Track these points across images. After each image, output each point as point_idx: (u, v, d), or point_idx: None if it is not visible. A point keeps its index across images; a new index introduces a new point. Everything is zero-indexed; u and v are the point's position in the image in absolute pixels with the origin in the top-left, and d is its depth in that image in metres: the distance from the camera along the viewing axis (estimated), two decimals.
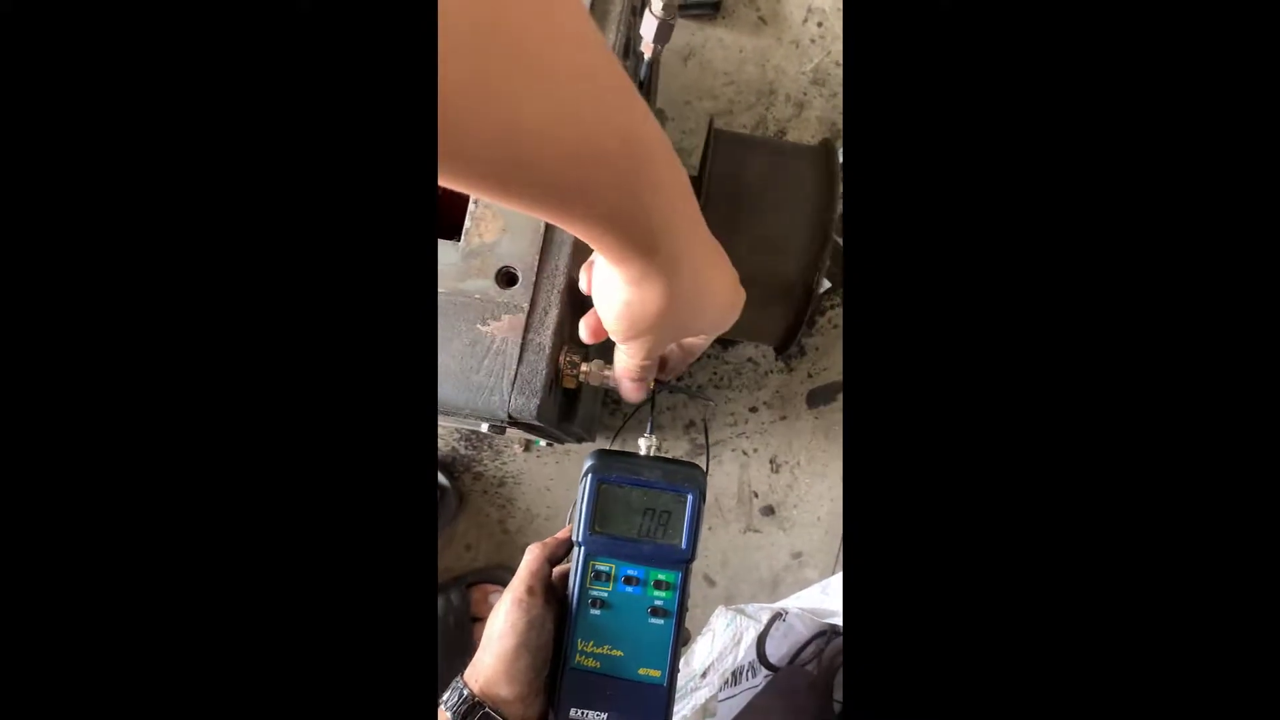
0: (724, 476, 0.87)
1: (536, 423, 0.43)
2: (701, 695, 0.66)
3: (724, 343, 0.88)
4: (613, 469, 0.37)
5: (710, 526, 0.86)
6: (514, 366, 0.41)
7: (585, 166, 0.22)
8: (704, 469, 0.39)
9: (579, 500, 0.38)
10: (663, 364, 0.40)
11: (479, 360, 0.41)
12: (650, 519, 0.37)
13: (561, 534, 0.40)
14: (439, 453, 0.86)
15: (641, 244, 0.26)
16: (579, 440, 0.74)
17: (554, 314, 0.41)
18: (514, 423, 0.44)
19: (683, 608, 0.37)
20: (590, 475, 0.37)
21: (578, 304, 0.46)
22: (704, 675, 0.67)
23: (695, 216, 0.29)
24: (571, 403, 0.50)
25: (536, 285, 0.42)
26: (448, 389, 0.41)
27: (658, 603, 0.37)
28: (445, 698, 0.37)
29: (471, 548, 0.86)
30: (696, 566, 0.86)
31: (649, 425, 0.42)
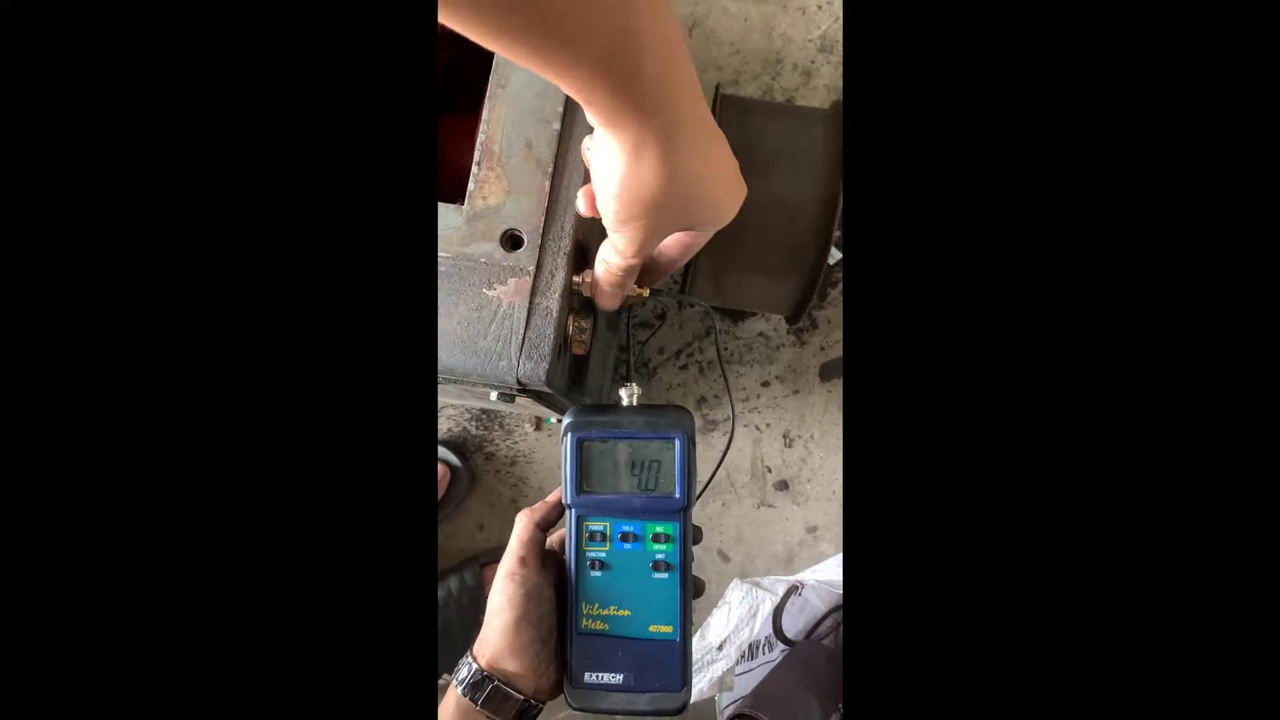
0: (736, 452, 0.86)
1: (546, 389, 0.42)
2: (719, 668, 0.66)
3: (735, 317, 0.87)
4: (592, 425, 0.36)
5: (723, 502, 0.86)
6: (521, 331, 0.40)
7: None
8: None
9: (563, 461, 0.36)
10: (646, 272, 0.39)
11: (486, 325, 0.40)
12: (639, 471, 0.36)
13: (551, 497, 0.39)
14: (450, 433, 0.86)
15: (637, 101, 0.25)
16: None
17: (560, 277, 0.41)
18: (523, 390, 0.43)
19: (686, 558, 0.36)
20: (570, 434, 0.36)
21: (581, 257, 0.45)
22: (720, 648, 0.66)
23: (692, 81, 0.27)
24: (581, 370, 0.49)
25: (542, 248, 0.41)
26: (455, 355, 0.40)
27: (659, 557, 0.36)
28: (455, 674, 0.36)
29: (484, 527, 0.86)
30: (710, 542, 0.86)
31: (628, 370, 0.41)
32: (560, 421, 0.37)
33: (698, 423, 0.86)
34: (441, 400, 0.84)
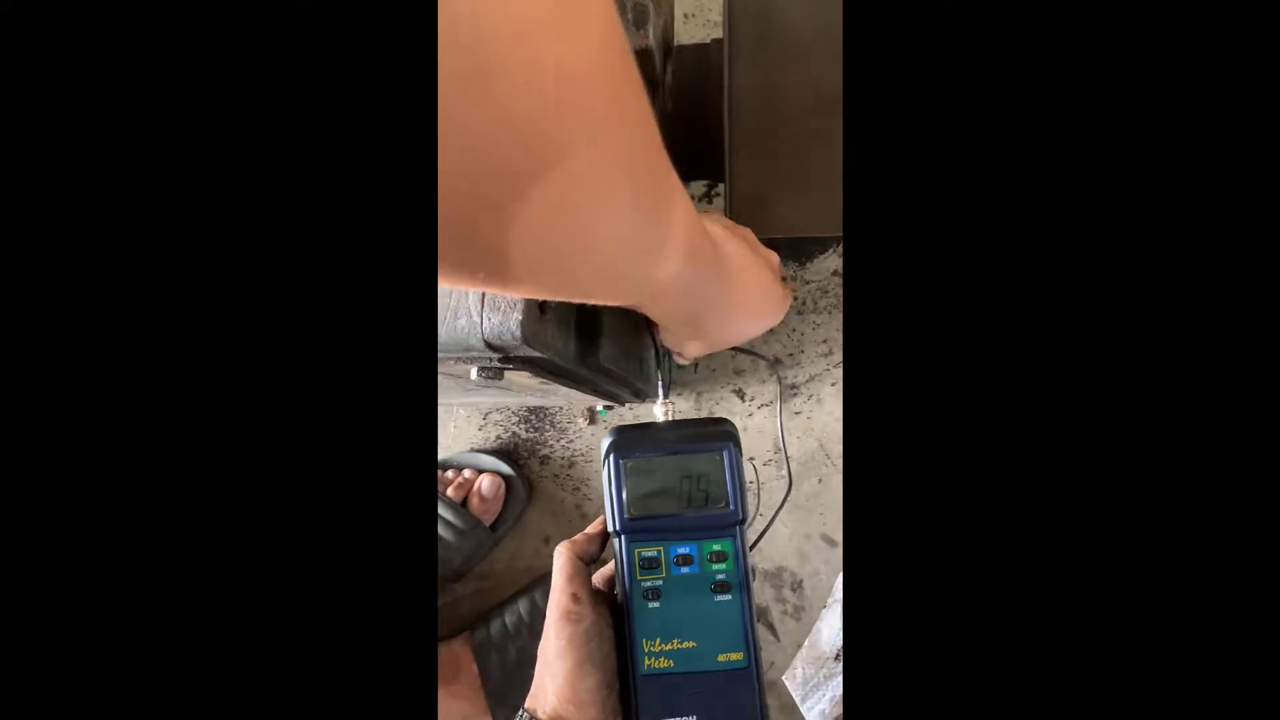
0: (826, 417, 0.72)
1: (535, 353, 0.31)
2: (839, 684, 0.52)
3: (798, 254, 0.74)
4: (634, 444, 0.34)
5: (820, 478, 0.72)
6: None
7: None
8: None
9: (605, 486, 0.34)
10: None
11: None
12: (688, 487, 0.34)
13: (591, 528, 0.37)
14: (500, 440, 0.77)
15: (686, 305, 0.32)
16: (640, 397, 0.63)
17: None
18: (507, 358, 0.32)
19: (748, 575, 0.34)
20: (611, 456, 0.34)
21: None
22: (838, 658, 0.53)
23: (716, 237, 0.32)
24: (591, 330, 0.38)
25: None
26: None
27: (719, 577, 0.33)
28: None
29: (550, 539, 0.77)
30: (813, 525, 0.73)
31: (663, 388, 0.40)
32: (610, 408, 0.33)
33: (775, 387, 0.73)
34: (476, 401, 0.75)
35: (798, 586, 0.72)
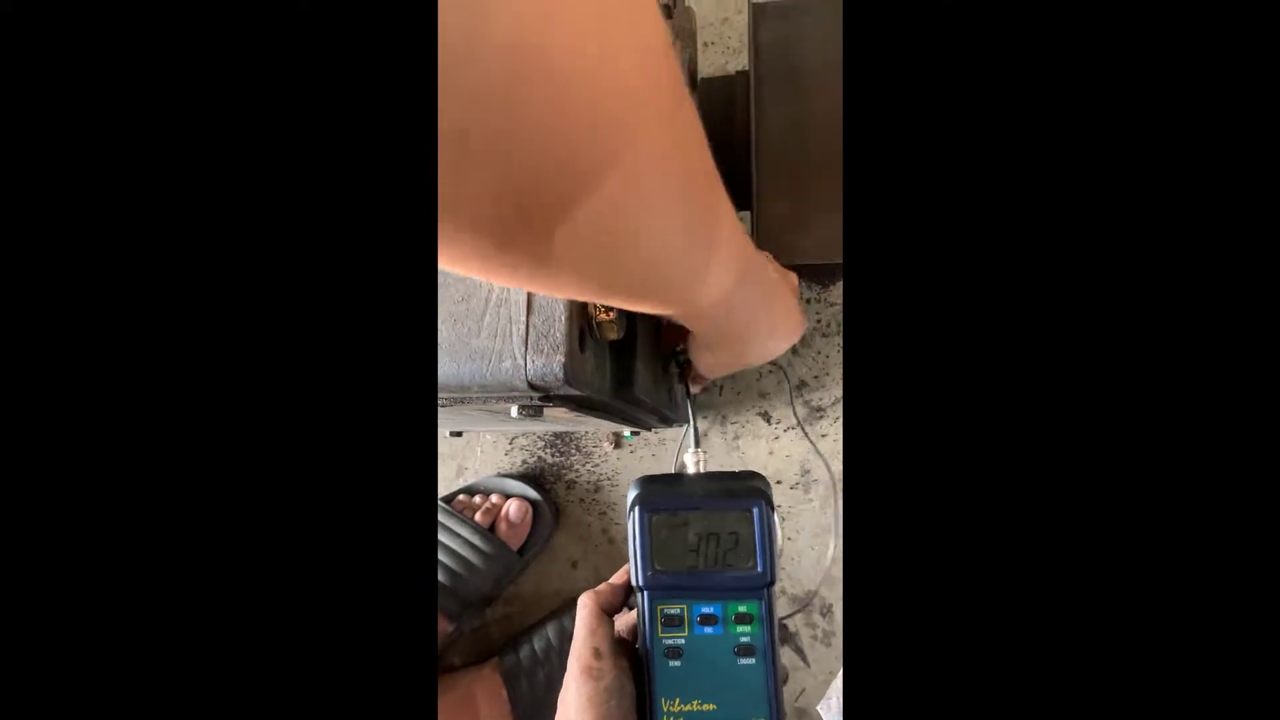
0: None
1: (575, 391, 0.32)
2: None
3: (822, 281, 0.74)
4: (661, 496, 0.33)
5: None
6: (523, 319, 0.30)
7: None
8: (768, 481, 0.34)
9: (630, 539, 0.33)
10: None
11: (478, 320, 0.30)
12: (715, 545, 0.33)
13: (616, 578, 0.36)
14: (526, 465, 0.78)
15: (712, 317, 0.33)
16: (666, 423, 0.63)
17: None
18: (547, 397, 0.33)
19: (774, 639, 0.33)
20: (637, 508, 0.33)
21: None
22: None
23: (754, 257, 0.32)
24: (627, 362, 0.39)
25: None
26: (446, 365, 0.31)
27: (744, 640, 0.33)
28: None
29: (578, 564, 0.77)
30: (841, 549, 0.72)
31: (693, 438, 0.39)
32: (637, 434, 0.33)
33: (800, 411, 0.73)
34: (494, 429, 0.76)
35: (827, 611, 0.71)
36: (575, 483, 0.77)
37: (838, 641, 0.70)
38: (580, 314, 0.32)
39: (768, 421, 0.74)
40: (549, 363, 0.30)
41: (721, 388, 0.75)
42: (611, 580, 0.36)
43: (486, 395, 0.32)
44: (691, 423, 0.39)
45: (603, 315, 0.33)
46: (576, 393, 0.32)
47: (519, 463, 0.78)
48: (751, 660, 0.32)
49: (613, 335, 0.33)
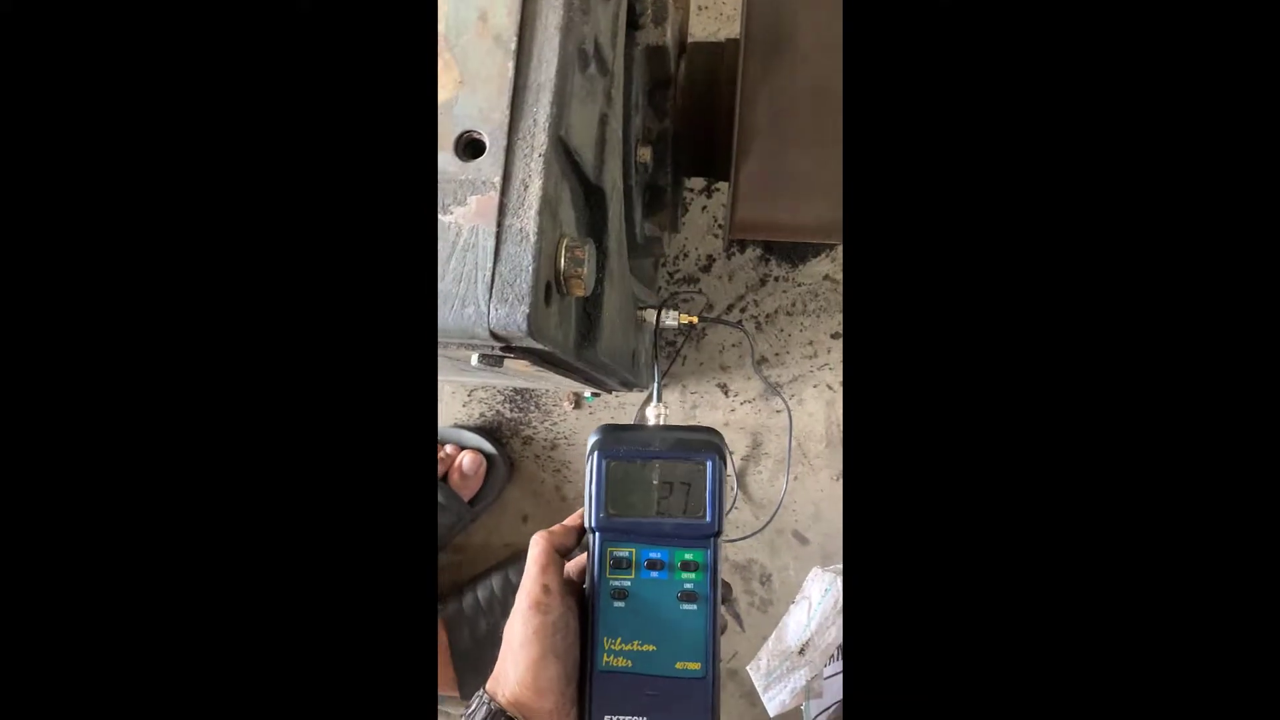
0: (807, 417, 0.74)
1: (537, 345, 0.32)
2: (800, 676, 0.54)
3: (792, 260, 0.75)
4: (620, 443, 0.35)
5: (796, 475, 0.74)
6: (489, 265, 0.30)
7: None
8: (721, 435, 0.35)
9: (587, 483, 0.35)
10: None
11: (443, 262, 0.30)
12: (668, 494, 0.34)
13: (570, 520, 0.37)
14: (483, 418, 0.78)
15: None
16: (627, 386, 0.63)
17: (537, 187, 0.30)
18: (508, 347, 0.33)
19: (716, 588, 0.34)
20: (596, 453, 0.34)
21: (573, 168, 0.35)
22: (802, 652, 0.55)
23: None
24: (592, 320, 0.39)
25: (509, 152, 0.30)
26: None
27: (687, 586, 0.34)
28: (469, 713, 0.33)
29: (528, 518, 0.78)
30: (784, 522, 0.74)
31: (655, 393, 0.41)
32: (598, 396, 0.33)
33: (758, 387, 0.75)
34: (464, 380, 0.75)
35: (767, 580, 0.74)
36: (532, 439, 0.77)
37: (774, 609, 0.73)
38: (548, 268, 0.32)
39: (726, 394, 0.75)
40: (513, 312, 0.30)
41: (685, 357, 0.76)
42: (566, 522, 0.37)
43: (447, 340, 0.32)
44: (657, 379, 0.41)
45: (571, 270, 0.33)
46: (539, 346, 0.32)
47: (476, 415, 0.78)
48: (693, 606, 0.33)
49: (580, 292, 0.33)
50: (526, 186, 0.30)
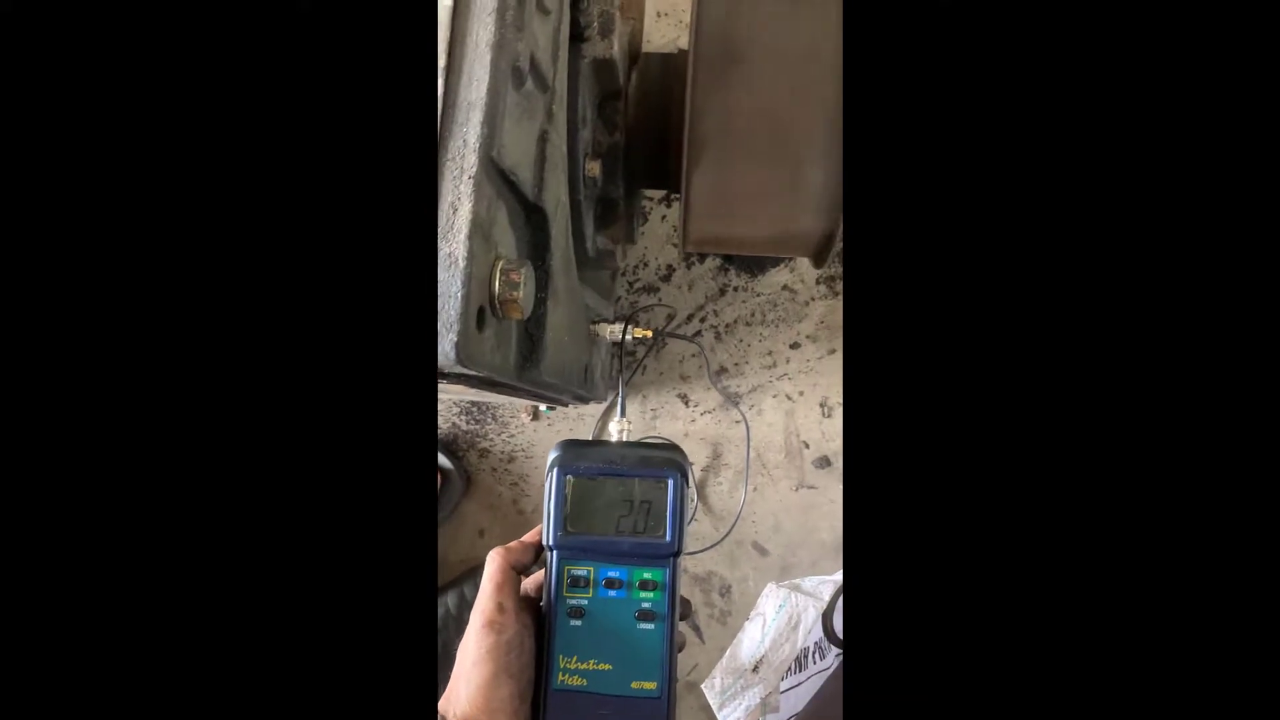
0: (766, 428, 0.74)
1: (470, 370, 0.31)
2: (754, 694, 0.54)
3: (751, 270, 0.74)
4: (581, 459, 0.34)
5: (755, 487, 0.74)
6: None
7: None
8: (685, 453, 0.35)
9: (546, 499, 0.34)
10: None
11: None
12: (628, 512, 0.34)
13: (528, 537, 0.36)
14: (439, 431, 0.76)
15: None
16: (582, 400, 0.62)
17: (466, 210, 0.29)
18: (442, 374, 0.32)
19: (674, 608, 0.33)
20: (556, 470, 0.34)
21: (509, 187, 0.34)
22: (756, 670, 0.55)
23: None
24: (534, 341, 0.38)
25: (438, 174, 0.29)
26: None
27: (645, 605, 0.33)
28: None
29: (485, 533, 0.76)
30: (744, 534, 0.74)
31: (620, 407, 0.39)
32: (553, 409, 0.31)
33: (718, 397, 0.74)
34: None
35: (726, 592, 0.73)
36: (489, 451, 0.76)
37: (733, 620, 0.72)
38: (481, 292, 0.31)
39: (686, 404, 0.75)
40: (440, 341, 0.29)
41: (645, 367, 0.75)
42: (524, 538, 0.36)
43: None
44: (621, 393, 0.39)
45: (508, 294, 0.32)
46: (471, 372, 0.31)
47: None
48: (651, 626, 0.33)
49: (516, 315, 0.33)
50: (456, 210, 0.29)
